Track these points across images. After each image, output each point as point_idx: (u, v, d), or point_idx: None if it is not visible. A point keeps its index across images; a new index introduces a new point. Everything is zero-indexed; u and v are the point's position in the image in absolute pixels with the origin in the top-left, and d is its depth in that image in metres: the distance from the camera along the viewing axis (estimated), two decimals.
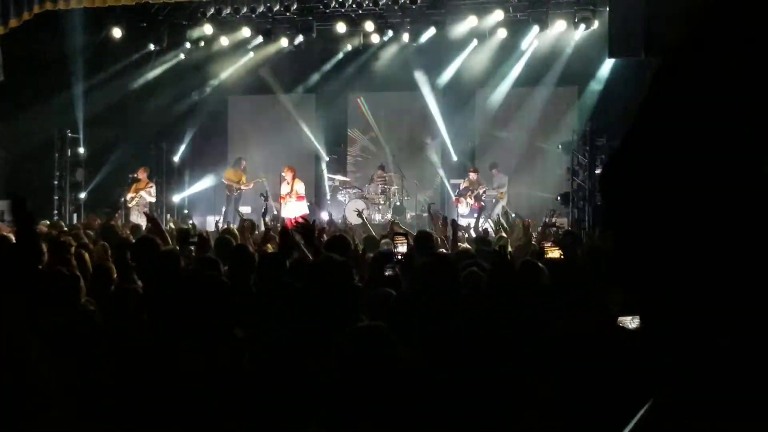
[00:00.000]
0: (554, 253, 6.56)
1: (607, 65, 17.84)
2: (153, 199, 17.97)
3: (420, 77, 19.50)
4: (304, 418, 2.71)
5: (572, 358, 2.00)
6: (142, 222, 15.33)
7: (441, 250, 8.38)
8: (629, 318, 3.80)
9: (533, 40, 18.81)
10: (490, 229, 12.61)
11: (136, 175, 17.84)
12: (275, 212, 17.69)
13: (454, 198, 17.94)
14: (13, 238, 8.79)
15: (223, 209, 18.43)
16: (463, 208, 17.46)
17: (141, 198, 17.50)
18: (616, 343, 1.94)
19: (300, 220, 6.27)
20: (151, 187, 17.81)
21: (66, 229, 11.66)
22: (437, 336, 4.13)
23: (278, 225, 15.78)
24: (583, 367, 1.91)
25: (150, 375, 3.01)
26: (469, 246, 9.49)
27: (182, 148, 20.63)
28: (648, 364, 1.72)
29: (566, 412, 2.01)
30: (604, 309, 3.49)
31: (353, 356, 2.63)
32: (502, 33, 18.64)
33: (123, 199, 17.55)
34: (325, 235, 10.08)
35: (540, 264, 5.51)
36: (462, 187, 17.83)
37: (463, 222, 15.55)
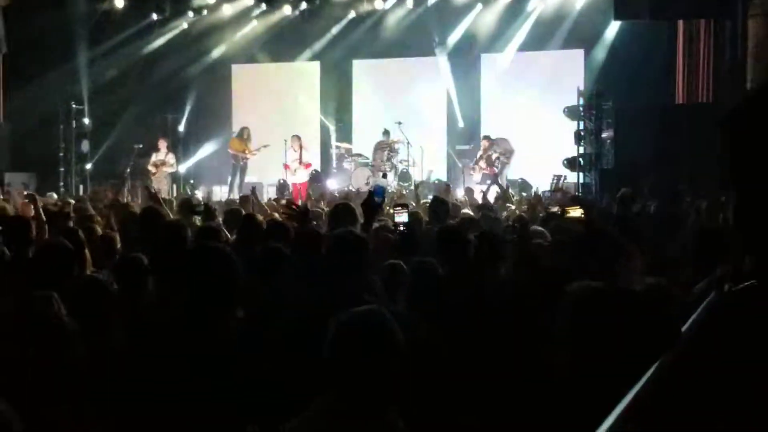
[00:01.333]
0: (576, 212, 6.42)
1: (613, 27, 17.69)
2: (174, 169, 18.15)
3: (425, 42, 19.37)
4: (309, 395, 2.70)
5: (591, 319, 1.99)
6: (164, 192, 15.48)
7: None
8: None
9: (539, 3, 18.67)
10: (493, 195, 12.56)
11: (157, 146, 17.93)
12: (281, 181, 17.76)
13: (468, 167, 17.81)
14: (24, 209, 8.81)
15: (229, 179, 18.42)
16: (477, 175, 17.38)
17: (165, 170, 17.70)
18: (635, 305, 1.93)
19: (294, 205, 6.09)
20: (170, 157, 17.96)
21: (73, 201, 11.66)
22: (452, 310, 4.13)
23: (285, 193, 15.89)
24: (601, 328, 1.90)
25: (157, 345, 3.01)
26: (471, 213, 9.47)
27: (186, 117, 20.59)
28: (657, 325, 1.72)
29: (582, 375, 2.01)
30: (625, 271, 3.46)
31: (349, 342, 2.60)
32: None
33: (128, 169, 17.58)
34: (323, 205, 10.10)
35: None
36: (478, 155, 17.70)
37: (476, 189, 15.53)
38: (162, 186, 16.94)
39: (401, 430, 2.62)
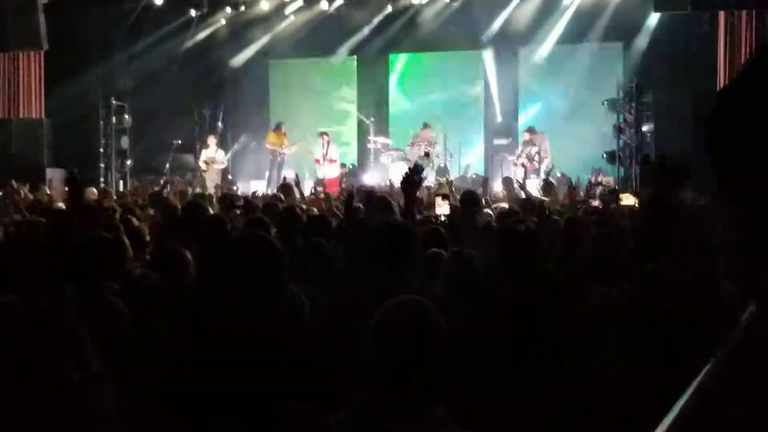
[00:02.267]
0: (629, 200, 6.38)
1: (653, 19, 17.50)
2: (224, 165, 18.32)
3: (462, 36, 19.30)
4: (351, 387, 2.70)
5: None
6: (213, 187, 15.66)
7: (486, 210, 8.34)
8: None
9: None
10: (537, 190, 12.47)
11: (206, 143, 18.16)
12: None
13: (513, 162, 17.69)
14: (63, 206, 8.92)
15: (267, 174, 18.52)
16: (520, 171, 17.28)
17: (216, 166, 17.87)
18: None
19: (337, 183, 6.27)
20: (220, 153, 18.15)
21: (115, 196, 11.80)
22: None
23: (319, 187, 15.94)
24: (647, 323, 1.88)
25: (201, 336, 3.02)
26: (507, 206, 9.42)
27: (224, 113, 20.71)
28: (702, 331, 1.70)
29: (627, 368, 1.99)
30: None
31: (390, 331, 2.59)
32: None
33: (167, 165, 17.75)
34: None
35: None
36: (519, 150, 17.58)
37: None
38: (213, 182, 17.14)
39: (445, 423, 2.59)
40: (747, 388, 1.05)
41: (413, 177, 4.84)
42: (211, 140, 18.34)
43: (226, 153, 19.47)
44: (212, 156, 18.02)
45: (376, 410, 2.56)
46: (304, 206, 8.45)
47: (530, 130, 17.57)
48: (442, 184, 14.52)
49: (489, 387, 3.40)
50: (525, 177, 16.40)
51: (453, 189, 12.73)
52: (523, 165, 17.02)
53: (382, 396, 2.57)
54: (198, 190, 14.79)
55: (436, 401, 2.61)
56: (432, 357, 2.57)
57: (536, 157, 17.21)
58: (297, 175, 10.83)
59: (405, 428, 2.52)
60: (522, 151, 17.34)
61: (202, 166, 17.96)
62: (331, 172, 17.82)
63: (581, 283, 4.04)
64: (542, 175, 15.82)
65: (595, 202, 8.90)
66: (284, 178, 14.15)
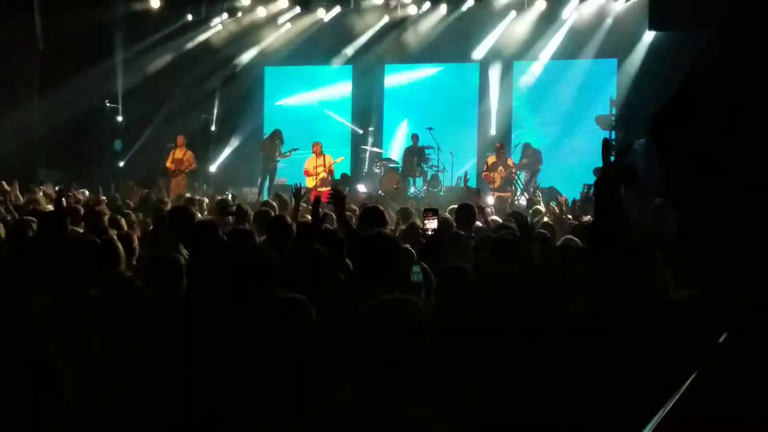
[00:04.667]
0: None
1: (648, 37, 17.59)
2: (195, 167, 18.18)
3: (458, 49, 19.37)
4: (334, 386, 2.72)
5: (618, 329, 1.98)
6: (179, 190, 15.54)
7: (478, 222, 8.36)
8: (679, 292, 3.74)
9: (572, 12, 18.60)
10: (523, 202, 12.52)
11: (173, 144, 17.95)
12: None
13: (483, 174, 17.75)
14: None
15: (259, 181, 18.50)
16: (497, 182, 17.34)
17: (181, 170, 17.71)
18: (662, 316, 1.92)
19: (332, 191, 6.35)
20: (189, 154, 17.98)
21: (105, 198, 11.78)
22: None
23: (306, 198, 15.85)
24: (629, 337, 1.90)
25: (190, 342, 3.04)
26: (500, 220, 9.46)
27: (219, 118, 20.70)
28: (692, 335, 1.71)
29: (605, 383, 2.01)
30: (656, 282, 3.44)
31: (375, 328, 2.62)
32: (541, 5, 18.48)
33: (162, 167, 17.67)
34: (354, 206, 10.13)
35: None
36: (490, 163, 17.60)
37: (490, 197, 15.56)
38: (181, 184, 17.05)
39: (430, 417, 2.61)
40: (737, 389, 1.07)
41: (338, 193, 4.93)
42: (180, 141, 18.01)
43: (210, 156, 19.42)
44: (180, 157, 17.87)
45: (363, 402, 2.58)
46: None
47: (499, 144, 17.67)
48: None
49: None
50: (503, 187, 16.48)
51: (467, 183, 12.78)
52: (500, 175, 17.02)
53: (368, 389, 2.59)
54: (162, 194, 14.48)
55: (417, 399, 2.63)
56: (416, 352, 2.60)
57: (514, 169, 17.21)
58: (299, 184, 10.79)
59: (390, 421, 2.55)
60: (495, 164, 17.32)
61: (171, 167, 17.67)
62: (324, 184, 17.38)
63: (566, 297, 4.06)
64: (527, 193, 15.90)
65: (586, 218, 8.94)
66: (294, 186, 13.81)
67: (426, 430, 2.56)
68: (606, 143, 2.75)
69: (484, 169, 17.63)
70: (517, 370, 3.46)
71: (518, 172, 17.33)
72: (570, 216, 9.96)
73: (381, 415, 2.55)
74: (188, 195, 14.81)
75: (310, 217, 7.85)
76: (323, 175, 17.36)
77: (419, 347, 2.60)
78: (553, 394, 2.86)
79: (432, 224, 5.96)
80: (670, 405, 1.16)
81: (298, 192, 8.09)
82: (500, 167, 17.26)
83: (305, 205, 10.84)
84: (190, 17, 19.75)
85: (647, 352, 2.43)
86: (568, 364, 3.02)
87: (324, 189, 17.05)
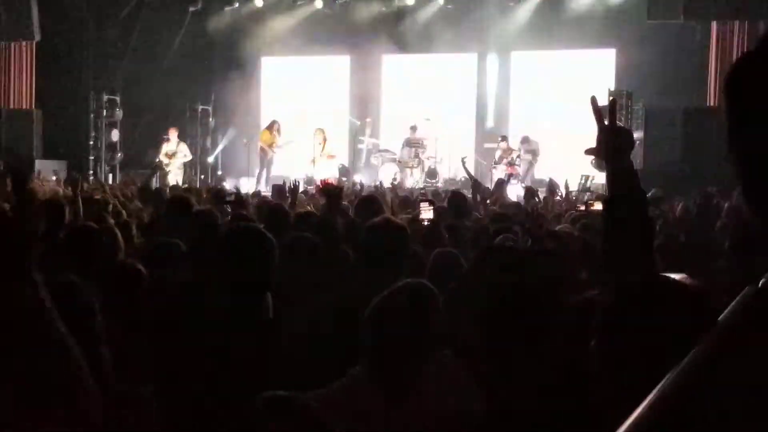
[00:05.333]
0: (598, 206, 6.46)
1: (646, 28, 17.57)
2: (188, 158, 18.18)
3: (455, 39, 19.33)
4: (339, 372, 2.74)
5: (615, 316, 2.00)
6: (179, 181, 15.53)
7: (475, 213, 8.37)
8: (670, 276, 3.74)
9: (571, 2, 18.58)
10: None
11: (167, 136, 17.96)
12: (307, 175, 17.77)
13: (490, 166, 17.79)
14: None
15: (257, 172, 18.50)
16: (500, 174, 17.37)
17: (177, 160, 17.71)
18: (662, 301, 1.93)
19: (329, 182, 6.35)
20: (183, 146, 17.97)
21: (103, 187, 11.77)
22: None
23: (311, 187, 15.88)
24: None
25: (190, 326, 3.05)
26: (500, 210, 9.47)
27: (216, 109, 20.66)
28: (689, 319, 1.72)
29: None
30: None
31: (391, 309, 2.65)
32: None
33: (158, 159, 17.67)
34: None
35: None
36: (497, 156, 17.73)
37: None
38: (177, 176, 17.08)
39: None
40: (735, 367, 1.07)
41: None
42: (173, 133, 18.03)
43: (208, 147, 19.45)
44: (173, 149, 17.86)
45: (370, 385, 2.61)
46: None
47: (504, 137, 17.73)
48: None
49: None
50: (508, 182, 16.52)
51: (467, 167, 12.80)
52: (504, 169, 17.08)
53: (377, 372, 2.62)
54: (156, 184, 14.48)
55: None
56: (428, 336, 2.64)
57: (517, 161, 17.32)
58: (295, 180, 10.77)
59: (399, 404, 2.58)
60: (501, 157, 17.46)
61: (164, 159, 17.69)
62: (327, 171, 17.54)
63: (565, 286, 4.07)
64: (526, 182, 15.93)
65: (583, 207, 8.94)
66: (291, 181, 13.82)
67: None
68: (594, 101, 2.66)
69: (493, 162, 17.66)
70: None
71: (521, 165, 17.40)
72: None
73: (388, 395, 2.59)
74: (186, 185, 14.82)
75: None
76: (324, 162, 17.49)
77: (429, 328, 2.65)
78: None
79: (428, 213, 5.97)
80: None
81: (294, 189, 8.10)
82: (504, 160, 17.32)
83: (303, 196, 10.87)
84: (191, 9, 19.69)
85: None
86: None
87: (328, 178, 17.14)
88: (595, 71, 18.57)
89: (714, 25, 16.08)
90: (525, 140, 17.75)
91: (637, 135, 15.05)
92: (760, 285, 1.13)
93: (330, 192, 6.09)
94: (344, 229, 5.29)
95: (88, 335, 2.58)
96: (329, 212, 5.74)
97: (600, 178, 15.73)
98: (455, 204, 7.82)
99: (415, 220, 6.36)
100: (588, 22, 18.39)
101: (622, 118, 15.44)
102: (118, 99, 18.65)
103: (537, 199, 10.96)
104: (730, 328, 1.12)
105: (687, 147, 13.70)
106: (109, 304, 3.64)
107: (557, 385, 2.60)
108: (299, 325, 3.50)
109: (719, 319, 1.16)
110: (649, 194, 8.75)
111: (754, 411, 1.02)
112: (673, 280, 2.09)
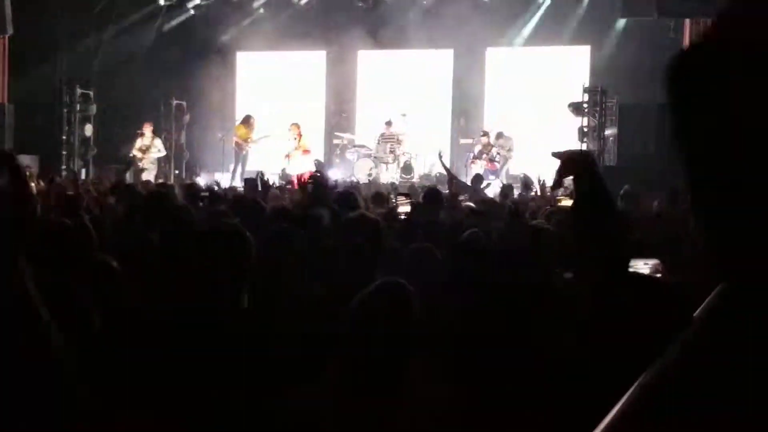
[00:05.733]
0: (567, 202, 6.57)
1: (621, 24, 17.70)
2: (162, 153, 18.07)
3: (431, 35, 19.35)
4: (317, 368, 2.74)
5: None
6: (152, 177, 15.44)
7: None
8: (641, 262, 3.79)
9: None
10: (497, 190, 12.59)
11: (141, 131, 17.83)
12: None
13: (469, 161, 17.85)
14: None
15: (232, 167, 18.44)
16: (478, 169, 17.44)
17: (151, 155, 17.59)
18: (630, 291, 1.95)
19: (310, 175, 6.34)
20: (157, 141, 17.85)
21: (77, 183, 11.67)
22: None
23: (286, 183, 15.83)
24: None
25: (165, 323, 3.04)
26: (473, 205, 9.50)
27: (191, 104, 20.54)
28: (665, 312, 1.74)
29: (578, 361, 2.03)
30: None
31: (371, 309, 2.66)
32: None
33: (132, 154, 17.54)
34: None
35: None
36: (476, 150, 17.79)
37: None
38: (150, 171, 16.98)
39: (413, 403, 2.65)
40: (713, 363, 1.07)
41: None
42: (147, 128, 17.88)
43: (184, 142, 19.34)
44: (147, 144, 17.75)
45: (350, 383, 2.62)
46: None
47: (485, 132, 17.77)
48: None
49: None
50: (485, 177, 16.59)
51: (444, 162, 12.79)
52: (483, 165, 17.15)
53: (357, 369, 2.63)
54: (130, 180, 14.37)
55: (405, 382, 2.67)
56: (408, 335, 2.65)
57: (497, 158, 17.38)
58: (262, 173, 10.72)
59: (378, 401, 2.59)
60: (481, 151, 17.52)
61: (137, 154, 17.58)
62: (303, 165, 17.37)
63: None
64: (504, 178, 16.00)
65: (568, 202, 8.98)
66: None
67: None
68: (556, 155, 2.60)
69: (472, 157, 17.71)
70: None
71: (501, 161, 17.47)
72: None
73: (370, 391, 2.60)
74: (160, 180, 14.74)
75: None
76: (299, 157, 17.40)
77: (409, 328, 2.66)
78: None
79: (404, 207, 5.98)
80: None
81: (264, 183, 8.09)
82: (484, 155, 17.38)
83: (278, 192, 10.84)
84: (162, 1, 19.58)
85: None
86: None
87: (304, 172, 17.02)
88: (570, 68, 18.67)
89: (687, 22, 16.19)
90: (500, 136, 17.79)
91: (611, 131, 15.16)
92: (734, 282, 1.13)
93: (317, 183, 6.10)
94: (330, 222, 5.28)
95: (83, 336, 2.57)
96: (314, 204, 5.74)
97: None
98: (431, 199, 7.85)
99: (391, 215, 6.37)
100: (563, 18, 18.50)
101: (597, 114, 15.56)
102: (91, 93, 18.49)
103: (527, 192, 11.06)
104: (704, 327, 1.13)
105: (661, 143, 13.77)
106: (83, 301, 3.62)
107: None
108: (277, 317, 3.50)
109: (694, 316, 1.17)
110: (622, 191, 8.85)
111: (728, 409, 1.03)
112: (646, 277, 2.11)
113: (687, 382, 1.09)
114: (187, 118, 20.20)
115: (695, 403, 1.05)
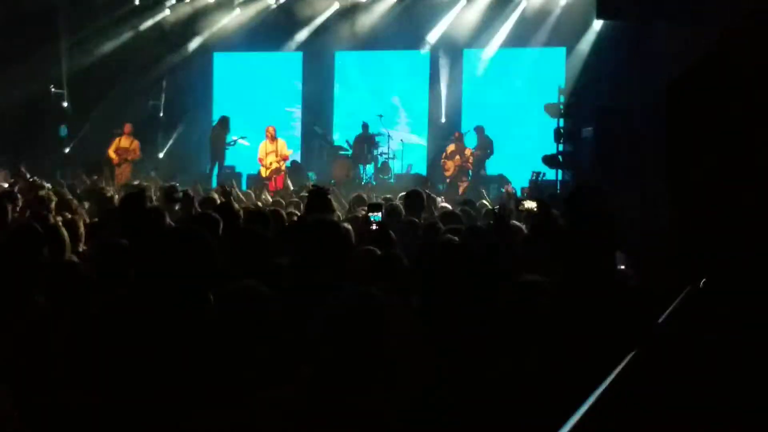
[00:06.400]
0: (530, 204, 6.79)
1: (597, 26, 17.75)
2: (138, 156, 17.93)
3: (408, 36, 19.38)
4: (288, 372, 2.74)
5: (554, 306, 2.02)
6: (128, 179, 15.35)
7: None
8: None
9: (522, 0, 18.72)
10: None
11: (120, 131, 17.65)
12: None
13: (441, 161, 17.90)
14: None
15: (208, 168, 18.37)
16: (451, 171, 17.50)
17: (128, 156, 17.44)
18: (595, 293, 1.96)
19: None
20: (134, 142, 17.71)
21: (48, 185, 11.58)
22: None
23: (258, 187, 15.77)
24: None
25: (137, 329, 3.02)
26: (450, 207, 9.54)
27: (167, 105, 20.44)
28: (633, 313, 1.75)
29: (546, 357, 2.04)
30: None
31: (342, 317, 2.66)
32: None
33: (107, 155, 17.38)
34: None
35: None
36: (449, 151, 17.84)
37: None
38: (125, 173, 16.84)
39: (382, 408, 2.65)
40: (677, 368, 1.09)
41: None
42: (125, 129, 17.61)
43: (159, 143, 19.22)
44: (125, 146, 17.57)
45: (323, 384, 2.62)
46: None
47: (459, 134, 17.86)
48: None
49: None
50: (458, 176, 16.65)
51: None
52: (456, 164, 17.22)
53: (329, 372, 2.63)
54: (108, 182, 14.24)
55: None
56: (378, 341, 2.65)
57: (471, 158, 17.45)
58: (232, 182, 10.73)
59: (349, 401, 2.59)
60: (454, 151, 17.58)
61: (113, 156, 17.33)
62: (278, 167, 17.25)
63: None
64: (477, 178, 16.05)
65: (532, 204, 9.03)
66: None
67: None
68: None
69: (443, 156, 17.78)
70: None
71: (474, 160, 17.52)
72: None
73: (339, 394, 2.60)
74: (135, 182, 14.64)
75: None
76: (275, 165, 17.24)
77: (381, 336, 2.66)
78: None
79: (375, 220, 5.96)
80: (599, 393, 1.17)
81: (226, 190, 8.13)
82: (457, 156, 17.43)
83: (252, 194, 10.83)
84: (137, 2, 19.47)
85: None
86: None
87: (278, 176, 16.97)
88: (546, 69, 18.73)
89: (663, 25, 16.26)
90: (480, 130, 17.94)
91: (586, 133, 15.19)
92: (700, 286, 1.15)
93: (318, 192, 6.11)
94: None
95: None
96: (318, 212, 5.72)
97: (550, 174, 15.91)
98: (411, 202, 7.89)
99: (366, 220, 6.37)
100: (539, 20, 18.56)
101: (572, 116, 15.62)
102: (65, 93, 18.36)
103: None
104: (669, 330, 1.14)
105: (635, 143, 13.82)
106: (55, 304, 3.60)
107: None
108: (242, 318, 3.49)
109: (659, 321, 1.18)
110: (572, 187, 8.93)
111: (689, 412, 1.04)
112: (611, 280, 2.13)
113: (649, 388, 1.10)
114: (162, 118, 20.09)
115: (657, 407, 1.06)
